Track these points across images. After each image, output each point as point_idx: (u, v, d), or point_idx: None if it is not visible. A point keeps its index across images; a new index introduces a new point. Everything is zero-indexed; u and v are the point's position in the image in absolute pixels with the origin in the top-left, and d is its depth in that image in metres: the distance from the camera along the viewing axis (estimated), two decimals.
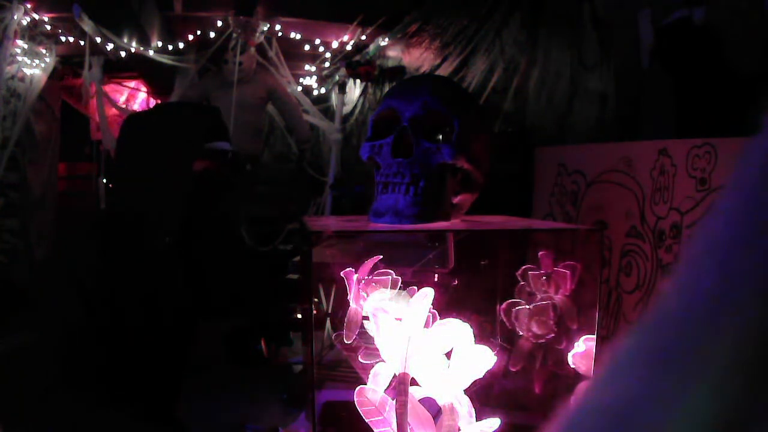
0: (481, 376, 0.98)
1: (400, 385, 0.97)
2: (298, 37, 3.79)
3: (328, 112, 4.43)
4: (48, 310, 1.37)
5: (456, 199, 1.25)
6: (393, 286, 1.16)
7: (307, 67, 4.21)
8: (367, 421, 1.01)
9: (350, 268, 1.18)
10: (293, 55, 3.96)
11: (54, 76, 3.77)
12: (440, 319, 1.01)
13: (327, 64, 4.15)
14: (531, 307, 1.29)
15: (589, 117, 2.17)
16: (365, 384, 1.03)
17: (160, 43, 3.69)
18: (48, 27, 3.36)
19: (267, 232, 3.68)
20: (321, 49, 3.91)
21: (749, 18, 1.44)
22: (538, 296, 1.29)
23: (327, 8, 3.61)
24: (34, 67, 3.52)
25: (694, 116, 1.65)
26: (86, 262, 1.34)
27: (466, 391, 1.00)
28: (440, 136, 1.20)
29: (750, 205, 0.29)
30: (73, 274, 1.32)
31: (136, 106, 4.84)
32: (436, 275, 1.41)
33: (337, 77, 4.25)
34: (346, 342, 1.16)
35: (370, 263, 1.17)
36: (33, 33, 3.37)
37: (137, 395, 1.41)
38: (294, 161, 4.65)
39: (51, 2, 3.26)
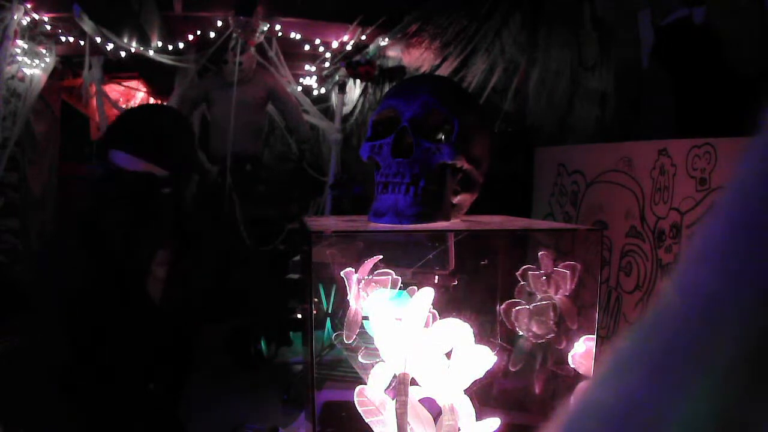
0: (481, 376, 0.98)
1: (400, 385, 0.97)
2: (298, 37, 3.79)
3: (328, 112, 4.44)
4: (45, 309, 1.36)
5: (456, 199, 1.25)
6: (393, 286, 1.17)
7: (307, 67, 4.21)
8: (367, 421, 1.01)
9: (350, 268, 1.18)
10: (293, 55, 3.96)
11: (54, 76, 3.77)
12: (440, 319, 1.01)
13: (327, 64, 4.15)
14: (531, 307, 1.29)
15: (589, 117, 2.17)
16: (365, 384, 1.03)
17: (160, 43, 3.69)
18: (48, 27, 3.36)
19: (267, 232, 3.68)
20: (321, 49, 3.91)
21: (749, 18, 1.44)
22: (538, 296, 1.29)
23: (327, 8, 3.61)
24: (34, 67, 3.52)
25: (694, 116, 1.64)
26: (87, 261, 1.33)
27: (466, 391, 1.00)
28: (440, 136, 1.20)
29: (750, 205, 0.29)
30: (73, 273, 1.31)
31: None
32: (436, 276, 1.41)
33: (337, 77, 4.26)
34: (346, 342, 1.16)
35: (370, 263, 1.17)
36: (33, 33, 3.37)
37: (140, 392, 1.41)
38: (294, 161, 4.65)
39: (51, 2, 3.26)
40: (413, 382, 0.98)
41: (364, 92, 4.35)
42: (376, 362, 1.04)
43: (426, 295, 0.97)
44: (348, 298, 1.18)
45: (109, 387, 1.33)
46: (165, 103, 3.99)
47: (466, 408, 1.00)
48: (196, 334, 1.60)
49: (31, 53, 3.44)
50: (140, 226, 1.33)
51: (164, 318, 1.43)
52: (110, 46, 3.48)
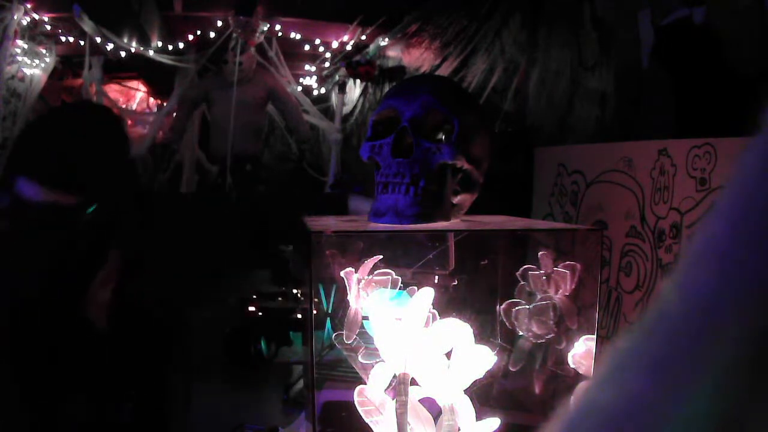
0: (481, 376, 0.98)
1: (400, 385, 0.97)
2: (298, 37, 3.79)
3: (328, 112, 4.43)
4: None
5: (456, 199, 1.25)
6: (393, 286, 1.17)
7: (307, 67, 4.22)
8: (367, 421, 1.01)
9: (350, 268, 1.18)
10: (293, 55, 3.96)
11: (54, 76, 3.77)
12: (440, 319, 1.01)
13: (327, 64, 4.15)
14: (531, 307, 1.29)
15: (589, 117, 2.17)
16: (365, 384, 1.03)
17: (160, 43, 3.69)
18: (48, 27, 3.36)
19: (267, 232, 3.68)
20: (321, 49, 3.91)
21: (749, 18, 1.44)
22: (538, 296, 1.29)
23: (327, 8, 3.61)
24: (34, 67, 3.52)
25: (694, 116, 1.64)
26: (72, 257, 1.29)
27: (466, 391, 1.00)
28: (440, 136, 1.20)
29: (750, 205, 0.29)
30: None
31: (136, 106, 4.84)
32: (436, 276, 1.41)
33: (337, 77, 4.26)
34: (346, 342, 1.16)
35: (370, 263, 1.17)
36: (33, 33, 3.37)
37: (112, 416, 1.38)
38: (294, 161, 4.65)
39: (51, 2, 3.26)
40: (413, 382, 0.98)
41: (364, 92, 4.35)
42: (376, 362, 1.04)
43: (426, 295, 0.97)
44: (348, 298, 1.18)
45: (71, 414, 1.27)
46: (92, 101, 3.39)
47: (466, 408, 1.00)
48: (167, 349, 1.53)
49: (31, 53, 3.44)
50: (53, 260, 1.14)
51: (113, 340, 1.31)
52: (110, 46, 3.48)
